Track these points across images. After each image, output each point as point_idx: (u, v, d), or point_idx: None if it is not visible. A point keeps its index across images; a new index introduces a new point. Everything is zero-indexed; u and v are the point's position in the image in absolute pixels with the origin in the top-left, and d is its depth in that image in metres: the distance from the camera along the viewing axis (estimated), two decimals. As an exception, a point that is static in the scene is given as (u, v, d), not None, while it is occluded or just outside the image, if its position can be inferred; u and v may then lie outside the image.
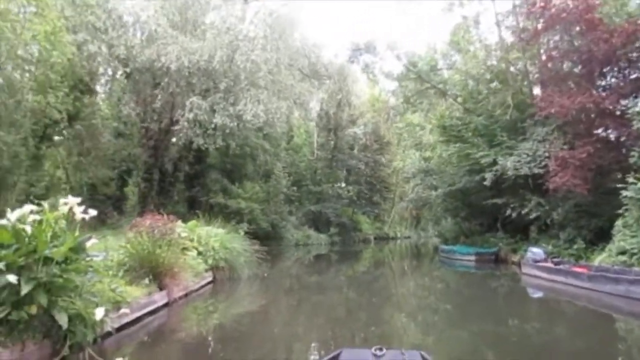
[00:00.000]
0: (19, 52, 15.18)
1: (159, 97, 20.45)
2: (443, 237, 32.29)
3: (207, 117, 19.95)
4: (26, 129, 17.83)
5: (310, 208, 38.06)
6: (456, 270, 20.87)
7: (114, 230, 16.54)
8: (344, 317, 9.92)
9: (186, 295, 10.22)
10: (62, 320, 5.30)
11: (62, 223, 5.92)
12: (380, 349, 3.78)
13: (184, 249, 12.25)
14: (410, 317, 10.23)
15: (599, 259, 15.22)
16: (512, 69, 22.80)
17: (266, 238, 32.85)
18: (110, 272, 8.07)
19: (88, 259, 6.23)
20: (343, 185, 40.50)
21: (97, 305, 5.84)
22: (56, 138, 21.52)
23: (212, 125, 20.03)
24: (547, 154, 17.30)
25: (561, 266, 15.00)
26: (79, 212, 5.96)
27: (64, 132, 21.04)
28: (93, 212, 6.10)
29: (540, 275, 15.29)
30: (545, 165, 17.23)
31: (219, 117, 19.70)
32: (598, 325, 9.28)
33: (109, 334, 6.19)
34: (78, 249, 5.85)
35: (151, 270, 9.10)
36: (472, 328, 8.79)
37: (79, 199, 5.99)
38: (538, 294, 14.59)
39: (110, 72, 22.51)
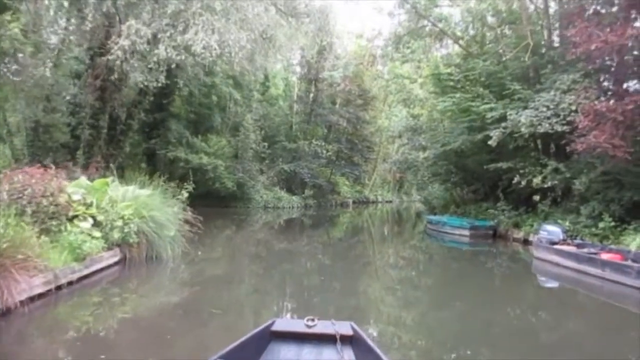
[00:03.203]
0: None
1: (89, 17, 16.15)
2: (429, 204, 28.86)
3: (149, 46, 15.85)
4: None
5: (284, 167, 34.06)
6: (446, 245, 17.44)
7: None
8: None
9: (53, 290, 6.42)
10: None
11: None
12: (312, 320, 3.73)
13: (74, 217, 8.50)
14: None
15: (636, 243, 11.93)
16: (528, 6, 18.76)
17: (232, 199, 29.27)
18: None
19: None
20: (322, 143, 36.29)
21: None
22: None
23: (154, 58, 15.92)
24: (573, 107, 13.61)
25: (586, 249, 11.63)
26: None
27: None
28: None
29: (560, 263, 11.72)
30: (570, 122, 13.61)
31: (163, 47, 15.58)
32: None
33: None
34: None
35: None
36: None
37: None
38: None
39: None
